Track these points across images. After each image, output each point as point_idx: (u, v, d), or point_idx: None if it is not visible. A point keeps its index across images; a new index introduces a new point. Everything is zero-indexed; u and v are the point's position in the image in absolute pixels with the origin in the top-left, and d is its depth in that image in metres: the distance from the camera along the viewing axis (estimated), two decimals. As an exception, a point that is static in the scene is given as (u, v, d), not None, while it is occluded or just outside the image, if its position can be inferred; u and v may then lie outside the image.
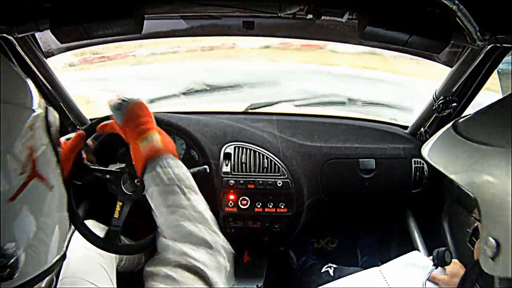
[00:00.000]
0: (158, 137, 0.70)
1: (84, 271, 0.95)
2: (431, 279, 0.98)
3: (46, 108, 0.55)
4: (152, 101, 1.62)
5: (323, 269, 1.46)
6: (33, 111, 0.50)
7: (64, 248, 0.59)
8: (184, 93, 1.85)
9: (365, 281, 1.03)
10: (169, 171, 0.66)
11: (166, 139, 0.71)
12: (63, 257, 0.58)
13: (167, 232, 0.61)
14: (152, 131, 0.71)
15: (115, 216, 1.00)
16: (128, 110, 0.73)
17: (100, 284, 0.92)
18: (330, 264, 1.49)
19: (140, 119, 0.72)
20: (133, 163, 0.74)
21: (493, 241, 0.44)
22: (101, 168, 1.07)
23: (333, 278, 1.34)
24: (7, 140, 0.45)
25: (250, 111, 1.58)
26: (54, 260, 0.54)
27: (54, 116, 0.56)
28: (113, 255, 1.06)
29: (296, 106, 1.60)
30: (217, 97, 1.89)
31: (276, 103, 1.58)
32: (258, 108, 1.56)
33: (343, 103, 1.76)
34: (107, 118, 1.13)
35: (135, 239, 1.08)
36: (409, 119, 1.50)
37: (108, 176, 1.05)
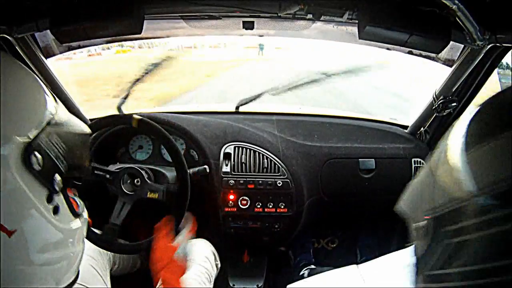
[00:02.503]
0: None
1: None
2: None
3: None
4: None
5: (301, 272, 1.49)
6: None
7: (76, 271, 0.57)
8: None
9: (341, 279, 1.03)
10: None
11: None
12: (75, 279, 0.57)
13: None
14: None
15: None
16: None
17: (93, 286, 0.92)
18: (309, 266, 1.50)
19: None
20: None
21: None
22: (101, 167, 1.08)
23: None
24: None
25: (249, 111, 1.58)
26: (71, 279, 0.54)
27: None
28: (106, 257, 1.06)
29: (273, 94, 1.57)
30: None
31: (261, 94, 1.53)
32: (248, 102, 1.54)
33: (318, 80, 1.71)
34: (106, 118, 1.14)
35: (132, 240, 1.08)
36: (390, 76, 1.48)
37: (108, 176, 1.06)
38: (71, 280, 0.55)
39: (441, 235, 0.41)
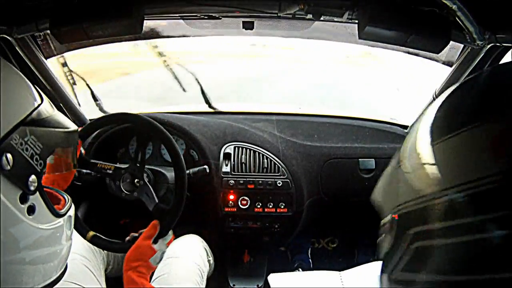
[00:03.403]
0: None
1: (69, 273, 0.96)
2: None
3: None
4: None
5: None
6: None
7: (65, 264, 0.57)
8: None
9: (320, 281, 1.03)
10: None
11: None
12: (64, 272, 0.57)
13: None
14: None
15: (148, 202, 1.03)
16: None
17: (87, 285, 0.92)
18: (303, 267, 1.51)
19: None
20: None
21: None
22: (99, 162, 1.08)
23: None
24: None
25: (249, 111, 1.58)
26: (54, 277, 0.54)
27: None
28: (99, 257, 1.06)
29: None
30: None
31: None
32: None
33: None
34: (106, 117, 1.14)
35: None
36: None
37: (108, 171, 1.05)
38: (56, 276, 0.54)
39: (403, 236, 0.37)
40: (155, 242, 0.93)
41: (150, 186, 1.04)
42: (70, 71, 1.36)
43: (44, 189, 0.51)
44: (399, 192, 0.41)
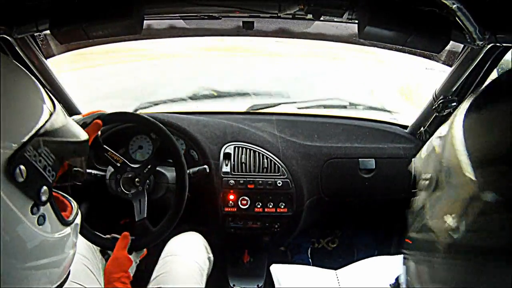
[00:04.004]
0: None
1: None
2: None
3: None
4: (156, 104, 1.63)
5: None
6: None
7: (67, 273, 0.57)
8: (191, 98, 1.85)
9: (317, 280, 1.04)
10: None
11: None
12: (67, 276, 0.57)
13: None
14: None
15: (136, 213, 1.03)
16: None
17: (87, 284, 0.92)
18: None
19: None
20: None
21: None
22: (110, 151, 1.07)
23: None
24: None
25: (250, 111, 1.58)
26: (59, 282, 0.54)
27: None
28: (98, 257, 1.06)
29: (298, 108, 1.62)
30: (224, 104, 1.90)
31: (278, 104, 1.59)
32: (260, 109, 1.57)
33: (344, 107, 1.77)
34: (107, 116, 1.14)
35: None
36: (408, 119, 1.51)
37: (116, 163, 1.05)
38: (61, 281, 0.55)
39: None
40: (129, 253, 0.94)
41: (146, 196, 1.04)
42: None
43: (53, 192, 0.51)
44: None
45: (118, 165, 1.04)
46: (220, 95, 1.91)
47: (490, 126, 0.39)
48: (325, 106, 1.71)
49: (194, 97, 1.84)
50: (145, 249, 1.01)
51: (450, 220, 0.39)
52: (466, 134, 0.40)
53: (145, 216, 1.02)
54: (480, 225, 0.35)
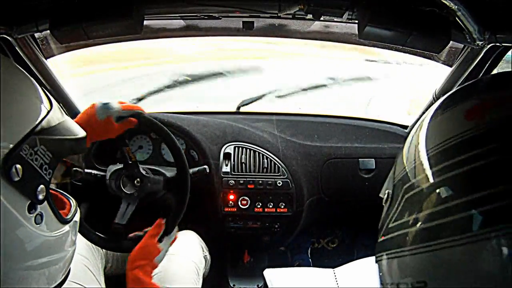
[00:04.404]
0: None
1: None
2: None
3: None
4: (140, 99, 1.63)
5: None
6: None
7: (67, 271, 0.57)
8: (168, 87, 1.84)
9: (314, 280, 1.04)
10: None
11: None
12: (67, 275, 0.57)
13: None
14: None
15: (118, 216, 1.01)
16: None
17: (87, 284, 0.92)
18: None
19: None
20: None
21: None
22: (95, 171, 1.07)
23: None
24: None
25: (249, 111, 1.58)
26: (59, 281, 0.54)
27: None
28: (98, 257, 1.06)
29: (279, 97, 1.61)
30: (201, 86, 1.89)
31: (263, 96, 1.59)
32: (249, 103, 1.56)
33: (325, 85, 1.76)
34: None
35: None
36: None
37: (106, 176, 1.05)
38: (60, 280, 0.54)
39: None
40: (160, 241, 0.93)
41: (135, 205, 1.03)
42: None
43: (50, 190, 0.51)
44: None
45: (130, 162, 1.04)
46: (194, 79, 1.90)
47: (449, 127, 0.42)
48: (304, 89, 1.70)
49: (170, 86, 1.83)
50: (175, 234, 0.98)
51: (410, 216, 0.44)
52: (428, 135, 0.45)
53: (124, 223, 1.00)
54: (440, 227, 0.39)
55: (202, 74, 2.01)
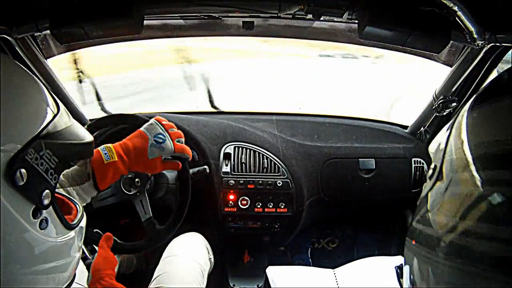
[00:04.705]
0: None
1: None
2: None
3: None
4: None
5: None
6: None
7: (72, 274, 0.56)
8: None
9: (315, 280, 1.04)
10: None
11: None
12: (73, 279, 0.56)
13: None
14: None
15: (141, 214, 1.02)
16: None
17: (87, 284, 0.92)
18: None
19: None
20: None
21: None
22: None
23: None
24: None
25: (249, 111, 1.58)
26: (65, 285, 0.53)
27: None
28: None
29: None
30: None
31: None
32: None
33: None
34: (105, 118, 1.14)
35: (129, 240, 1.07)
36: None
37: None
38: (67, 284, 0.54)
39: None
40: (113, 251, 0.91)
41: (147, 197, 1.03)
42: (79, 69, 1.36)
43: (56, 194, 0.50)
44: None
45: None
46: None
47: (492, 123, 0.39)
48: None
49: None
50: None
51: (450, 218, 0.39)
52: (469, 131, 0.40)
53: (151, 215, 1.01)
54: (482, 228, 0.34)
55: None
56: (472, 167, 0.37)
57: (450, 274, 0.37)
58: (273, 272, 1.07)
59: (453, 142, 0.43)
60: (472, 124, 0.41)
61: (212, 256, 1.19)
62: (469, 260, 0.35)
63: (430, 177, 0.47)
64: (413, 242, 0.48)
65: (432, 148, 0.53)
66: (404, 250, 0.51)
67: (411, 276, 0.48)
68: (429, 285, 0.42)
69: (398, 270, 0.57)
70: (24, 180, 0.43)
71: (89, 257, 0.92)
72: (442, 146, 0.46)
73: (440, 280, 0.40)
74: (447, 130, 0.47)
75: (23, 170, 0.43)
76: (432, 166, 0.48)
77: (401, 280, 0.53)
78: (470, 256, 0.35)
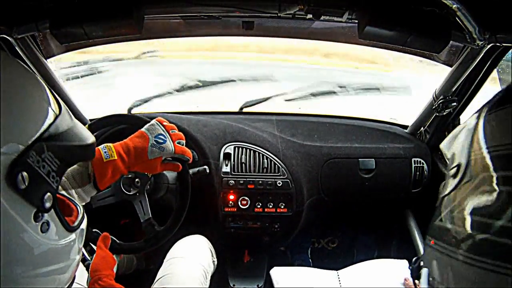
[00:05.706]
0: None
1: None
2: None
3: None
4: (146, 101, 1.63)
5: None
6: None
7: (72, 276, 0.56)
8: (177, 90, 1.84)
9: (318, 281, 1.04)
10: None
11: None
12: (73, 281, 0.56)
13: None
14: None
15: (140, 215, 1.01)
16: None
17: (87, 284, 0.92)
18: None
19: None
20: None
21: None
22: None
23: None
24: None
25: (249, 111, 1.58)
26: (65, 287, 0.53)
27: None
28: None
29: (286, 100, 1.61)
30: (211, 92, 1.88)
31: (268, 98, 1.59)
32: (252, 105, 1.57)
33: (334, 92, 1.76)
34: (106, 118, 1.14)
35: (129, 240, 1.08)
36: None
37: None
38: (67, 286, 0.53)
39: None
40: (112, 251, 0.91)
41: (146, 198, 1.03)
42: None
43: (57, 195, 0.49)
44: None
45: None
46: (205, 85, 1.90)
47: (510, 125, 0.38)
48: (313, 94, 1.69)
49: (180, 90, 1.83)
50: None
51: (486, 217, 0.37)
52: (488, 132, 0.39)
53: (151, 216, 1.01)
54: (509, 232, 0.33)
55: (214, 81, 2.00)
56: (495, 171, 0.36)
57: (480, 275, 0.36)
58: (277, 273, 1.07)
59: (482, 139, 0.41)
60: (504, 122, 0.39)
61: (215, 259, 1.19)
62: (505, 260, 0.34)
63: (454, 176, 0.45)
64: (432, 242, 0.47)
65: (446, 146, 0.52)
66: (419, 250, 0.50)
67: (431, 277, 0.47)
68: (455, 285, 0.41)
69: (413, 271, 0.56)
70: (26, 184, 0.42)
71: (88, 258, 0.92)
72: (466, 143, 0.44)
73: (468, 281, 0.38)
74: (472, 127, 0.45)
75: (24, 173, 0.42)
76: (455, 164, 0.46)
77: (416, 281, 0.52)
78: (507, 256, 0.34)
